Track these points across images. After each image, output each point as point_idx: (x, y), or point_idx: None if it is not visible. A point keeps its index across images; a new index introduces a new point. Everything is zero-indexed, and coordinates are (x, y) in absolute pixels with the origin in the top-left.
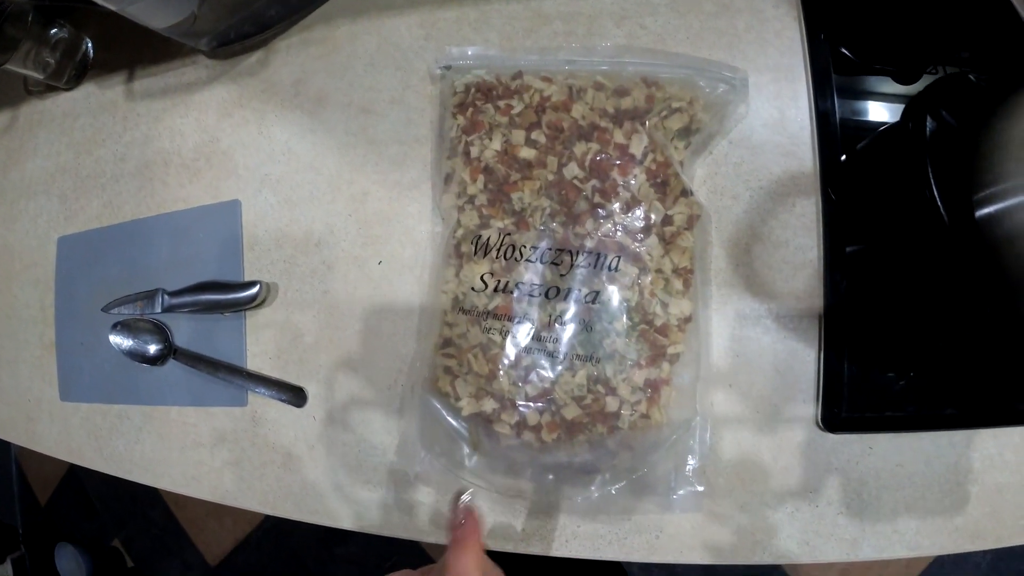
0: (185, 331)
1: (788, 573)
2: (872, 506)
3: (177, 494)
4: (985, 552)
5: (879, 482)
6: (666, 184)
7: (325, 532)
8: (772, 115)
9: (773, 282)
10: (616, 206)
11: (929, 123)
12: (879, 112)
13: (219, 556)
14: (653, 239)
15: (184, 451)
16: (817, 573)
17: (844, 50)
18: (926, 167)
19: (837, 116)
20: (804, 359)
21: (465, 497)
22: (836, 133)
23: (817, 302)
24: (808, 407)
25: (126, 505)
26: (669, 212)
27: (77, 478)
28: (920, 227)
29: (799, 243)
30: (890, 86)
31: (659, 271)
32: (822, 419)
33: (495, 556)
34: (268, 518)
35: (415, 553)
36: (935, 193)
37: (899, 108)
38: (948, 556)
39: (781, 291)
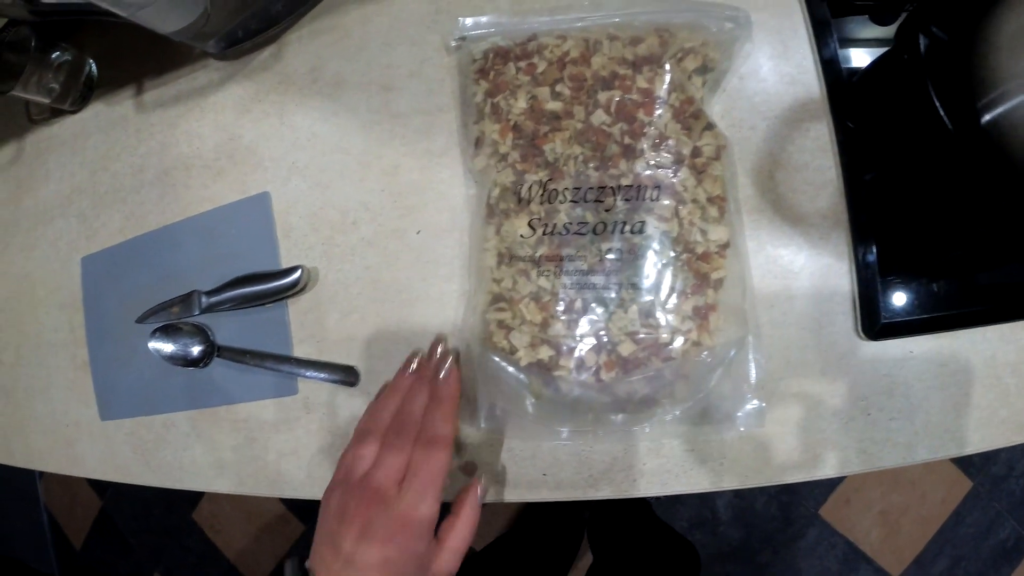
0: (226, 329)
1: (824, 517)
2: (921, 408)
3: (212, 520)
4: (1019, 477)
5: (924, 384)
6: (691, 119)
7: None
8: (776, 48)
9: (799, 204)
10: (646, 144)
11: (923, 41)
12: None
13: None
14: (685, 171)
15: (237, 449)
16: (856, 516)
17: None
18: (927, 86)
19: (836, 43)
20: (838, 272)
21: (443, 346)
22: (837, 59)
23: (842, 217)
24: (847, 319)
25: (160, 538)
26: (697, 144)
27: (109, 518)
28: (930, 143)
29: (818, 164)
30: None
31: (695, 200)
32: (862, 327)
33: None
34: (305, 532)
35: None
36: (939, 108)
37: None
38: (983, 487)
39: (807, 211)
